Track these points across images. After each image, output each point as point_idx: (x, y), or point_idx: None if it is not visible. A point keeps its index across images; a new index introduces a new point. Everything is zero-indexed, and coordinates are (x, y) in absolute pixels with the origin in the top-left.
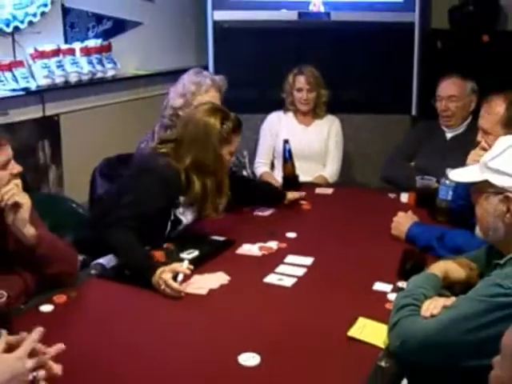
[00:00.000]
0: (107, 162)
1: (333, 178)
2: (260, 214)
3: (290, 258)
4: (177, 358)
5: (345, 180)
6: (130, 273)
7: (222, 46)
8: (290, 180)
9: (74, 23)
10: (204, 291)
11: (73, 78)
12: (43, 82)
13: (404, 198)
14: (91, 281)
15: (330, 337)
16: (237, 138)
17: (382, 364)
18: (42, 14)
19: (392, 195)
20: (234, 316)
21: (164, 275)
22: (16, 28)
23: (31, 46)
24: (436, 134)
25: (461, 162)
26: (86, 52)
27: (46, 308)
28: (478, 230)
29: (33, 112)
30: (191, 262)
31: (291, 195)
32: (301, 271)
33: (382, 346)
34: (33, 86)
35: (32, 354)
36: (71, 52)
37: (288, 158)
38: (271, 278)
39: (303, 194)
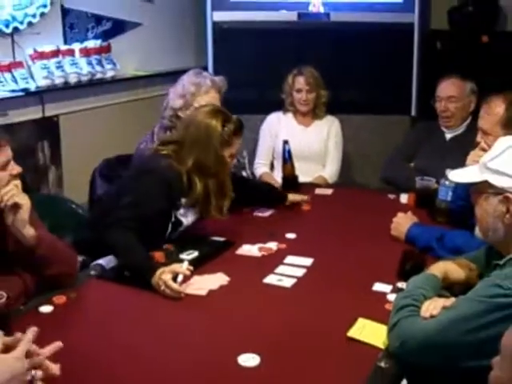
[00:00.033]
0: (107, 162)
1: (332, 178)
2: (260, 214)
3: (289, 259)
4: (176, 358)
5: (344, 181)
6: (130, 274)
7: (222, 47)
8: (290, 180)
9: (74, 24)
10: (204, 292)
11: (72, 79)
12: (43, 82)
13: (404, 198)
14: (91, 282)
15: (330, 337)
16: (238, 141)
17: (382, 364)
18: (42, 14)
19: (392, 196)
20: (233, 317)
21: (164, 276)
22: (15, 29)
23: (31, 47)
24: (435, 135)
25: (460, 163)
26: (86, 53)
27: (46, 309)
28: (477, 231)
29: (32, 113)
30: (191, 262)
31: (293, 197)
32: (300, 272)
33: (382, 346)
34: (32, 86)
35: (26, 354)
36: (71, 53)
37: (287, 158)
38: (271, 279)
39: (305, 197)
